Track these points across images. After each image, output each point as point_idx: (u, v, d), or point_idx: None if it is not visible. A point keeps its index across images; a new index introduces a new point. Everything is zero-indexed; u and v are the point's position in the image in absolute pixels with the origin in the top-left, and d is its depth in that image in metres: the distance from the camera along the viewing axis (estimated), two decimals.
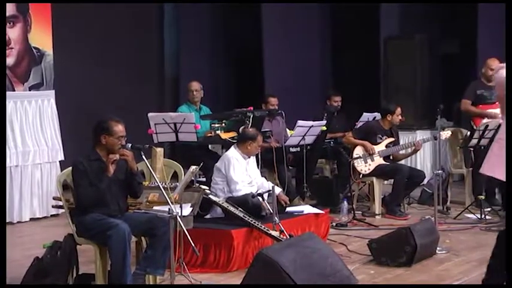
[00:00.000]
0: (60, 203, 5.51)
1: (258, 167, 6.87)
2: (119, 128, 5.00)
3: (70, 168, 5.04)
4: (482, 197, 7.60)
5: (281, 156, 7.67)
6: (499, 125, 7.62)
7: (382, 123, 8.00)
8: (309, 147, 8.04)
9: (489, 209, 7.65)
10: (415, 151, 8.11)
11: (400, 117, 7.93)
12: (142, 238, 5.17)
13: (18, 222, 7.72)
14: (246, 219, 5.73)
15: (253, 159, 6.58)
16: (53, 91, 8.23)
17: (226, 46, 12.29)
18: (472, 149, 7.86)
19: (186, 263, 5.34)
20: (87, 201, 4.91)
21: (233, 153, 6.42)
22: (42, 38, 8.07)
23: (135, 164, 5.04)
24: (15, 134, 7.76)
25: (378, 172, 7.84)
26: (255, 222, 5.71)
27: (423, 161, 10.07)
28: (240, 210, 5.84)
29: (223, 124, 7.47)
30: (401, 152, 8.12)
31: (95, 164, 4.97)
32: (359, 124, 8.71)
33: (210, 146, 7.99)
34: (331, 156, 8.83)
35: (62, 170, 6.17)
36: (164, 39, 11.61)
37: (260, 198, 5.96)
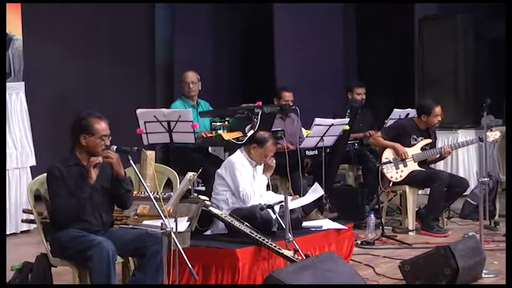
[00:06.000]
0: (32, 217, 5.54)
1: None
2: (101, 126, 5.03)
3: (44, 175, 5.06)
4: None
5: (296, 161, 7.70)
6: None
7: (417, 121, 8.01)
8: (328, 150, 8.07)
9: None
10: (441, 158, 8.09)
11: (438, 118, 7.89)
12: (130, 259, 5.21)
13: None
14: (253, 235, 5.76)
15: (261, 166, 6.61)
16: (23, 83, 8.25)
17: (229, 28, 12.30)
18: None
19: None
20: (66, 214, 4.92)
21: (238, 157, 6.46)
22: (9, 20, 8.09)
23: (122, 168, 5.07)
24: None
25: (412, 180, 7.86)
26: (264, 240, 5.74)
27: (467, 166, 10.08)
28: (246, 225, 5.87)
29: (226, 122, 7.50)
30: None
31: (73, 169, 5.00)
32: (389, 122, 8.74)
33: (210, 148, 8.02)
34: (356, 160, 8.85)
35: (33, 178, 6.20)
36: (155, 20, 11.64)
37: (270, 211, 6.00)
